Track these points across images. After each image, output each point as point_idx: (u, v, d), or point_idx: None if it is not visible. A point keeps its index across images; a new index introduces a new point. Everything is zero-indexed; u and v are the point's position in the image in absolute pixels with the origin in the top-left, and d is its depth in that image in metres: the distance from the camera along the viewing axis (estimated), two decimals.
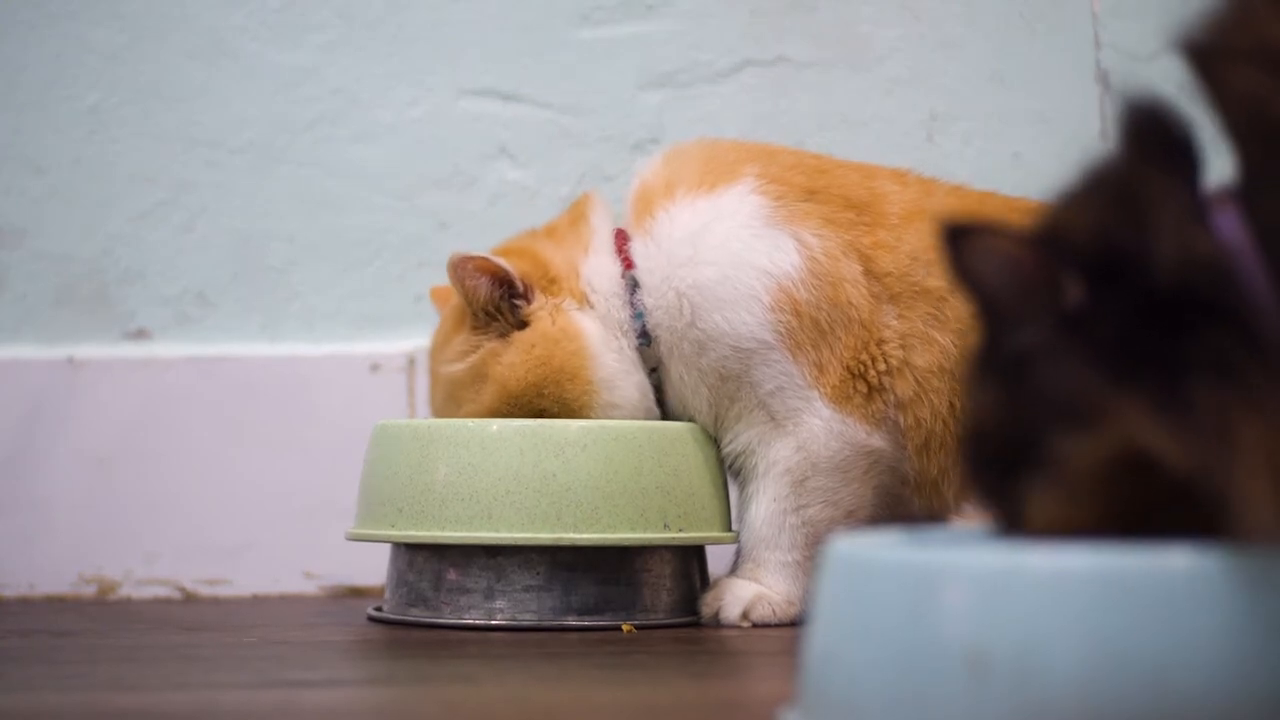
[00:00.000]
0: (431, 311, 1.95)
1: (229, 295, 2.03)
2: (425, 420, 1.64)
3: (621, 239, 1.67)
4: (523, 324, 1.64)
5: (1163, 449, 0.79)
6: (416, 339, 2.02)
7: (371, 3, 2.05)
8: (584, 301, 1.66)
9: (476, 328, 1.65)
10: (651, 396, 1.66)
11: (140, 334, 2.02)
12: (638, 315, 1.64)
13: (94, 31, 2.02)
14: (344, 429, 1.94)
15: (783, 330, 1.60)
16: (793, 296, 1.60)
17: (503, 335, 1.65)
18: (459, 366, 1.66)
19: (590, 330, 1.64)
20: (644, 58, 2.06)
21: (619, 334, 1.65)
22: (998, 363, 0.84)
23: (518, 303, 1.65)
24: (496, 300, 1.64)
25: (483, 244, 1.86)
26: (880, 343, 1.61)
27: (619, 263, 1.66)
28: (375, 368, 2.02)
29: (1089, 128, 2.01)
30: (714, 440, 1.66)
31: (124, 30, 2.03)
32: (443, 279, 1.71)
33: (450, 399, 1.67)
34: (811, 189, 1.64)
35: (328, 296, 2.04)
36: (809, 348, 1.60)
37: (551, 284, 1.66)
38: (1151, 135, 0.83)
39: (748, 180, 1.64)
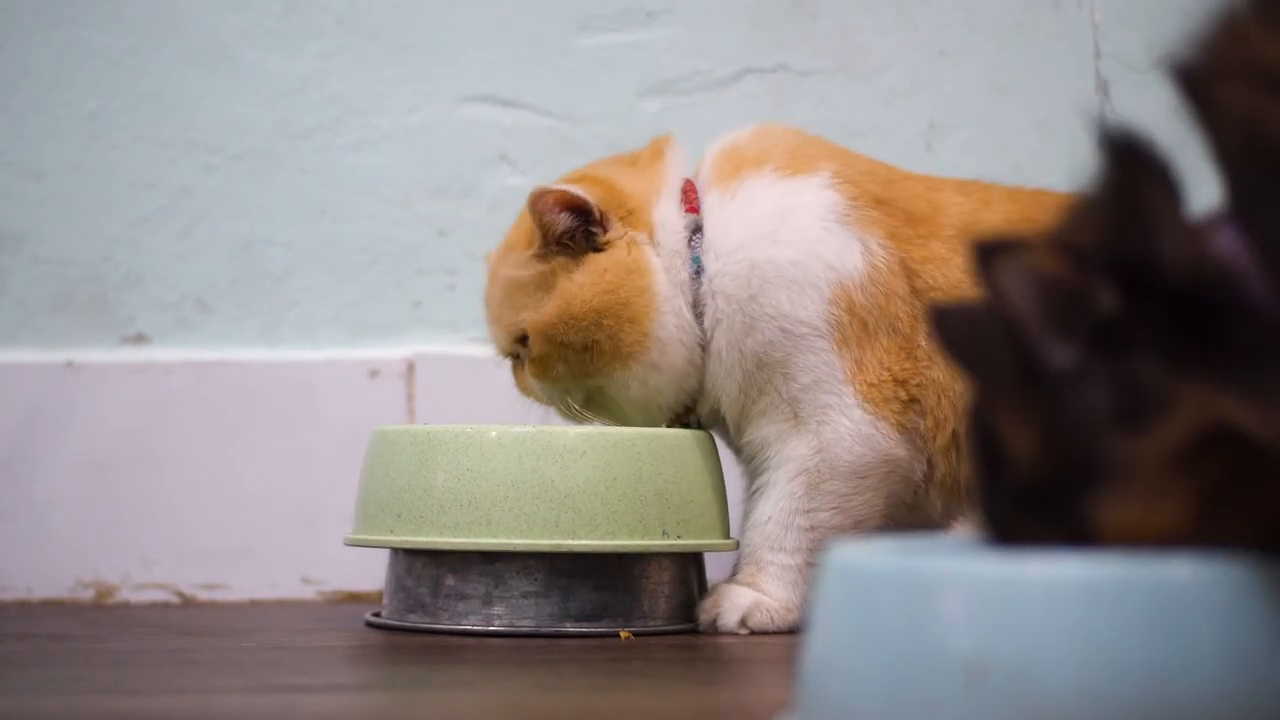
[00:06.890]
0: (430, 317, 1.96)
1: (228, 301, 2.03)
2: (424, 426, 1.64)
3: (690, 191, 1.67)
4: (596, 250, 1.64)
5: (1243, 419, 0.77)
6: (415, 345, 2.02)
7: (371, 10, 2.05)
8: (655, 242, 1.65)
9: (542, 254, 1.65)
10: (697, 363, 1.65)
11: (139, 339, 2.02)
12: (694, 259, 1.65)
13: (94, 37, 2.02)
14: (342, 434, 1.94)
15: (834, 323, 1.61)
16: (850, 296, 1.61)
17: (575, 255, 1.64)
18: (523, 272, 1.65)
19: (660, 274, 1.64)
20: (644, 65, 2.06)
21: (680, 290, 1.65)
22: (1036, 384, 0.82)
23: (594, 230, 1.64)
24: (573, 231, 1.64)
25: (481, 250, 1.86)
26: (916, 359, 1.61)
27: (685, 214, 1.66)
28: (374, 373, 2.02)
29: (1089, 138, 2.01)
30: (714, 447, 1.66)
31: (124, 36, 2.03)
32: (442, 284, 1.72)
33: (508, 301, 1.66)
34: (881, 199, 1.65)
35: (327, 303, 2.04)
36: (854, 344, 1.60)
37: (629, 215, 1.66)
38: (1137, 158, 0.82)
39: (824, 175, 1.65)
